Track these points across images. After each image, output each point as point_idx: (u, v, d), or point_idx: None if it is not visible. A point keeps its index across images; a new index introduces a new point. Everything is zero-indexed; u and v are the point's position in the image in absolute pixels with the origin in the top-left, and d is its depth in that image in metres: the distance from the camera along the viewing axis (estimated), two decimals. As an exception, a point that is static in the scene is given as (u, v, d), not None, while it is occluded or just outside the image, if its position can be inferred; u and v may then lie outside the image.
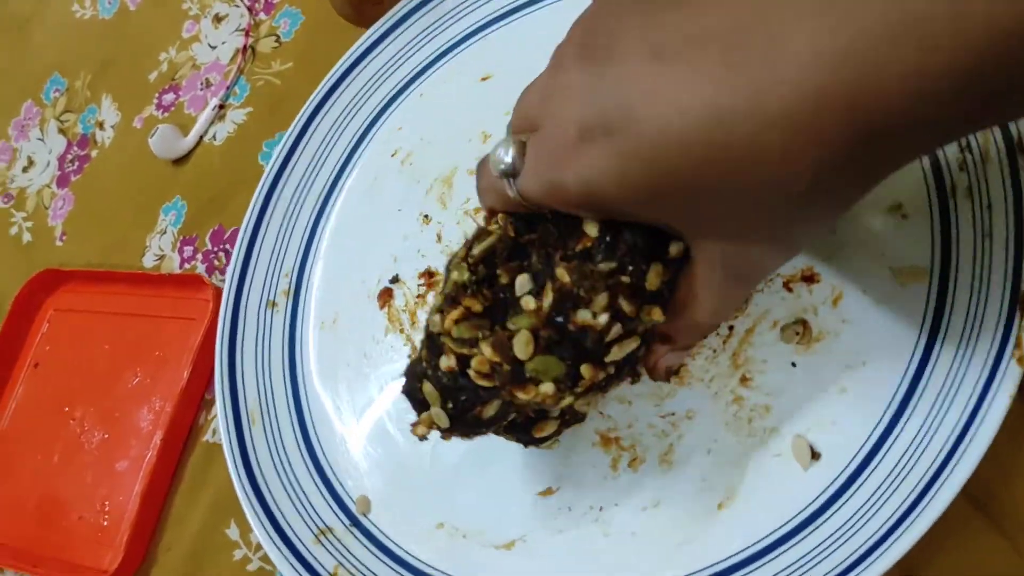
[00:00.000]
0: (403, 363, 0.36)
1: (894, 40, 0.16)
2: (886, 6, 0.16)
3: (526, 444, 0.29)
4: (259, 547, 0.38)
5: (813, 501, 0.26)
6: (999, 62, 0.15)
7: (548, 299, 0.23)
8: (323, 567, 0.33)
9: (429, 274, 0.38)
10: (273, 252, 0.42)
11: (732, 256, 0.22)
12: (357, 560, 0.33)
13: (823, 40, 0.17)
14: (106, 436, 0.46)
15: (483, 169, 0.26)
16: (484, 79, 0.41)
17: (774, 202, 0.20)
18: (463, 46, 0.42)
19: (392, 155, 0.42)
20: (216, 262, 0.47)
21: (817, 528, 0.26)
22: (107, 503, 0.43)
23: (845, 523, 0.25)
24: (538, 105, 0.23)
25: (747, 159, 0.18)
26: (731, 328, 0.30)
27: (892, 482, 0.25)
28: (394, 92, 0.43)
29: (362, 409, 0.37)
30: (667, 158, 0.19)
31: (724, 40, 0.18)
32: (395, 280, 0.39)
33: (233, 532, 0.39)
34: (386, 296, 0.39)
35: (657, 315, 0.23)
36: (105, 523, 0.43)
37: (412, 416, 0.35)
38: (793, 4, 0.17)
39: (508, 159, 0.23)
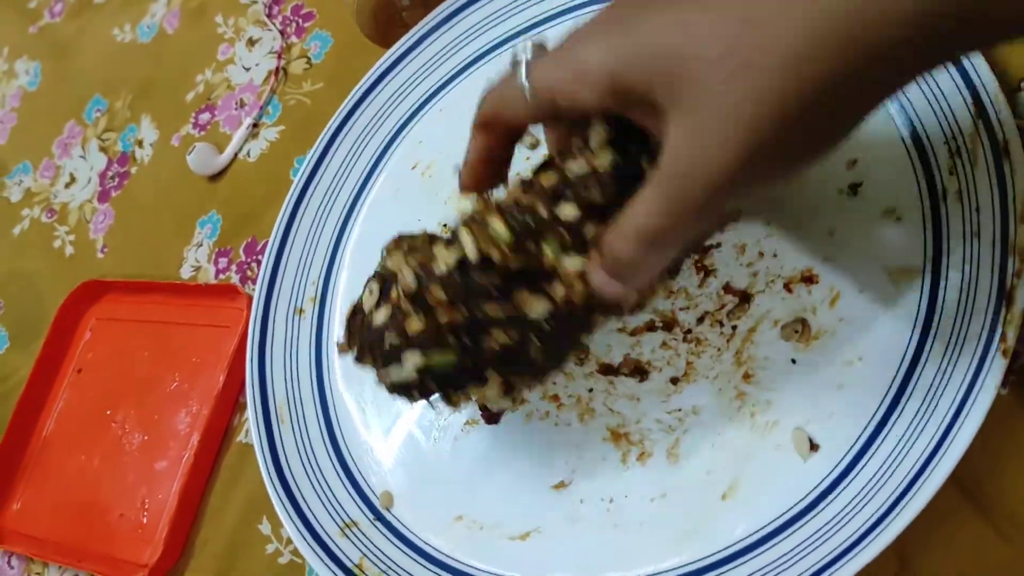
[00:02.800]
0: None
1: None
2: None
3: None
4: (289, 541, 0.40)
5: (812, 490, 0.27)
6: None
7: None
8: (349, 559, 0.35)
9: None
10: (300, 261, 0.44)
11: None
12: (381, 552, 0.35)
13: None
14: (146, 438, 0.48)
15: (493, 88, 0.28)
16: (500, 95, 0.43)
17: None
18: (480, 63, 0.44)
19: (413, 167, 0.44)
20: (249, 272, 0.49)
21: (816, 515, 0.27)
22: (147, 501, 0.46)
23: (842, 510, 0.26)
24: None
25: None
26: (734, 328, 0.31)
27: (886, 471, 0.26)
28: (415, 107, 0.45)
29: (384, 409, 0.39)
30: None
31: None
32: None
33: (265, 527, 0.41)
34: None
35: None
36: (145, 520, 0.45)
37: (432, 416, 0.37)
38: None
39: (528, 52, 0.25)
